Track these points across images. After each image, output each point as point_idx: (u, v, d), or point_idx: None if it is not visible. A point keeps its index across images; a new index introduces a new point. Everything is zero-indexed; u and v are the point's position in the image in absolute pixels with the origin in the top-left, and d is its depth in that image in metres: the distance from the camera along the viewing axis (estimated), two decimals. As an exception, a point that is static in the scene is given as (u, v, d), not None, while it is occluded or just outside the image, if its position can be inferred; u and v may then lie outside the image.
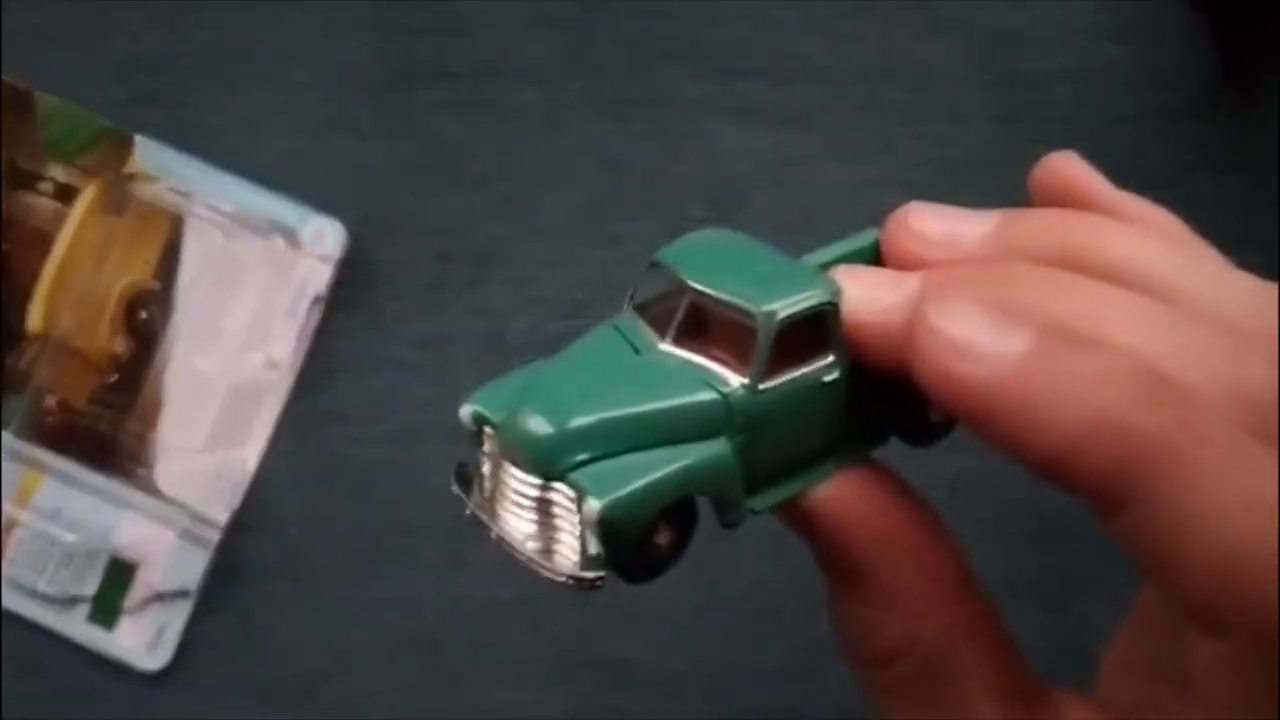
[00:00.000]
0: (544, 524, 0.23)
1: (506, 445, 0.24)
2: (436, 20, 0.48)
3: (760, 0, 0.48)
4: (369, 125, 0.48)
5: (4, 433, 0.47)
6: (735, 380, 0.24)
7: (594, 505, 0.22)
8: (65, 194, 0.47)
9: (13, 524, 0.47)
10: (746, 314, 0.23)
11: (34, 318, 0.47)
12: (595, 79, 0.48)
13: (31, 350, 0.47)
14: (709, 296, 0.24)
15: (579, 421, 0.23)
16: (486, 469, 0.25)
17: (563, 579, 0.23)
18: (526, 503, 0.23)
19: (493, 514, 0.24)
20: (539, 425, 0.23)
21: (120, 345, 0.47)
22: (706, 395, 0.23)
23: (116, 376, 0.47)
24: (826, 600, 0.26)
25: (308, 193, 0.48)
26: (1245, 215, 0.48)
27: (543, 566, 0.23)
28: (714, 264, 0.25)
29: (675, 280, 0.25)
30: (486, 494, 0.25)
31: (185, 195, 0.47)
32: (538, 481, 0.23)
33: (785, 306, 0.24)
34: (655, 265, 0.25)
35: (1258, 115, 0.48)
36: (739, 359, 0.24)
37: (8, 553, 0.47)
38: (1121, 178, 0.48)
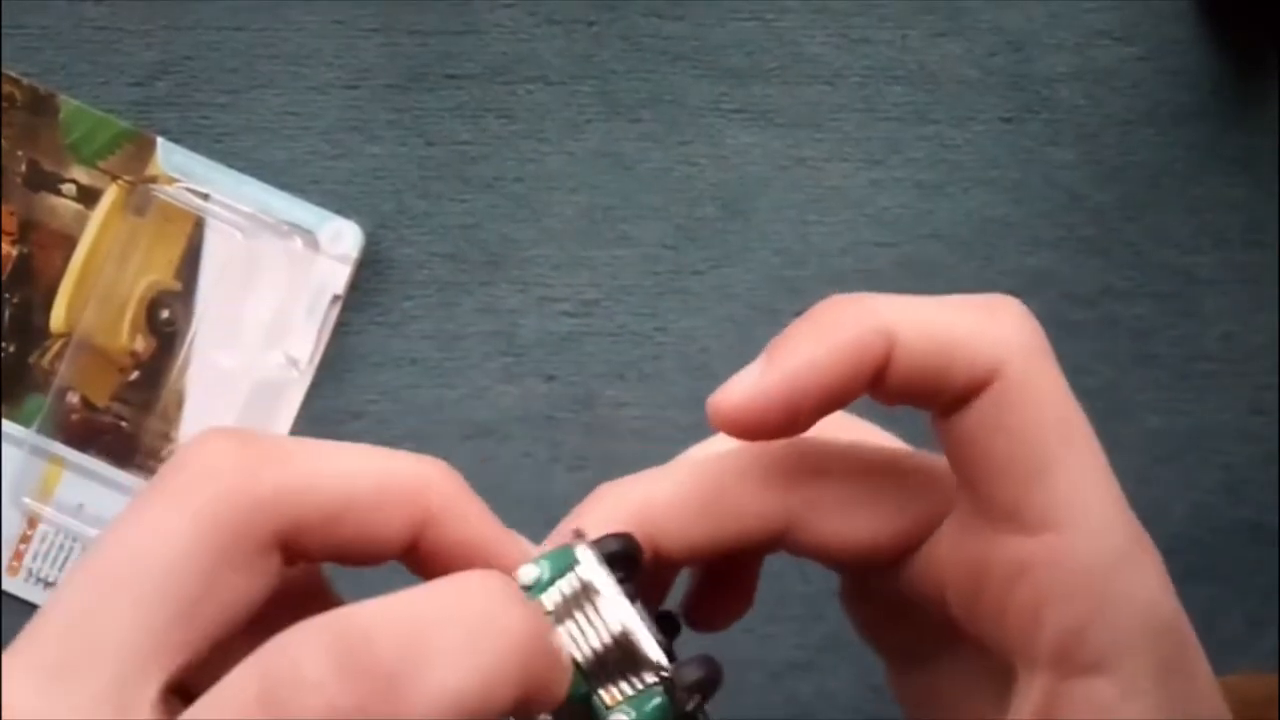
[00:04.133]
0: None
1: None
2: (449, 23, 0.49)
3: (770, 2, 0.49)
4: (383, 128, 0.49)
5: (27, 429, 0.48)
6: None
7: None
8: (88, 196, 0.48)
9: (35, 519, 0.48)
10: None
11: (57, 317, 0.48)
12: (606, 81, 0.49)
13: (54, 349, 0.48)
14: None
15: None
16: None
17: None
18: None
19: None
20: None
21: (142, 344, 0.48)
22: None
23: (138, 374, 0.48)
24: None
25: (325, 195, 0.48)
26: (1251, 216, 0.49)
27: None
28: None
29: None
30: None
31: (206, 197, 0.48)
32: None
33: None
34: None
35: (1263, 116, 0.49)
36: None
37: (31, 547, 0.48)
38: (1128, 179, 0.49)
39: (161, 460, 0.48)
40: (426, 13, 0.49)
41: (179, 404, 0.48)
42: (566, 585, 0.24)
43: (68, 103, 0.48)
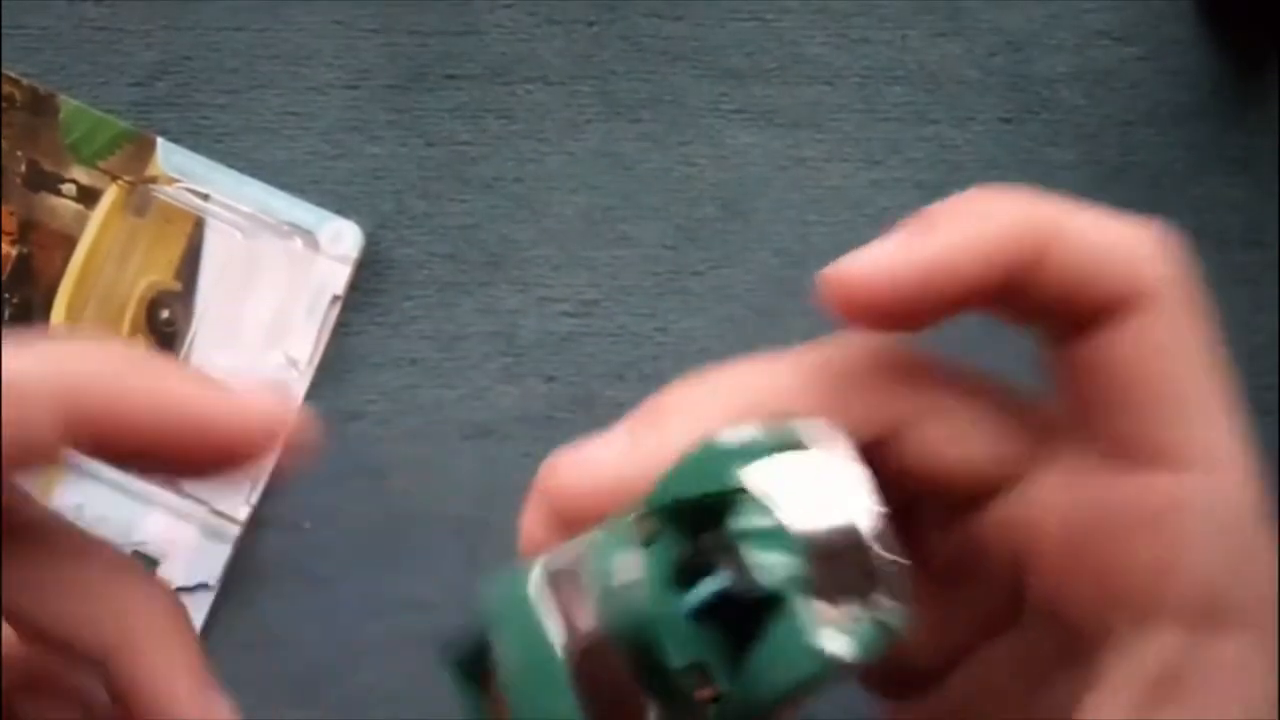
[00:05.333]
0: None
1: None
2: (448, 23, 0.49)
3: (770, 3, 0.49)
4: (383, 128, 0.49)
5: (28, 430, 0.48)
6: None
7: None
8: (88, 196, 0.48)
9: (36, 519, 0.48)
10: None
11: (57, 317, 0.48)
12: (606, 81, 0.49)
13: (55, 349, 0.48)
14: None
15: None
16: None
17: None
18: None
19: None
20: None
21: (142, 344, 0.48)
22: None
23: (137, 375, 0.48)
24: None
25: (325, 195, 0.48)
26: (1251, 216, 0.49)
27: None
28: None
29: None
30: None
31: (206, 197, 0.48)
32: None
33: None
34: None
35: (1263, 116, 0.49)
36: None
37: (32, 547, 0.48)
38: (1128, 179, 0.49)
39: (161, 461, 0.48)
40: (426, 13, 0.49)
41: (179, 404, 0.48)
42: (796, 461, 0.19)
43: (67, 103, 0.48)
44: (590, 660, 0.18)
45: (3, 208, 0.48)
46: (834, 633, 0.18)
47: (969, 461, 0.23)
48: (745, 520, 0.19)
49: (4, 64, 0.48)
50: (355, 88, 0.49)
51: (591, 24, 0.49)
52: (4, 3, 0.48)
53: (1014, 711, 0.23)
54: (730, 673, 0.18)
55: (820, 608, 0.18)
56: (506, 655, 0.20)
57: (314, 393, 0.48)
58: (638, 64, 0.49)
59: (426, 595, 0.47)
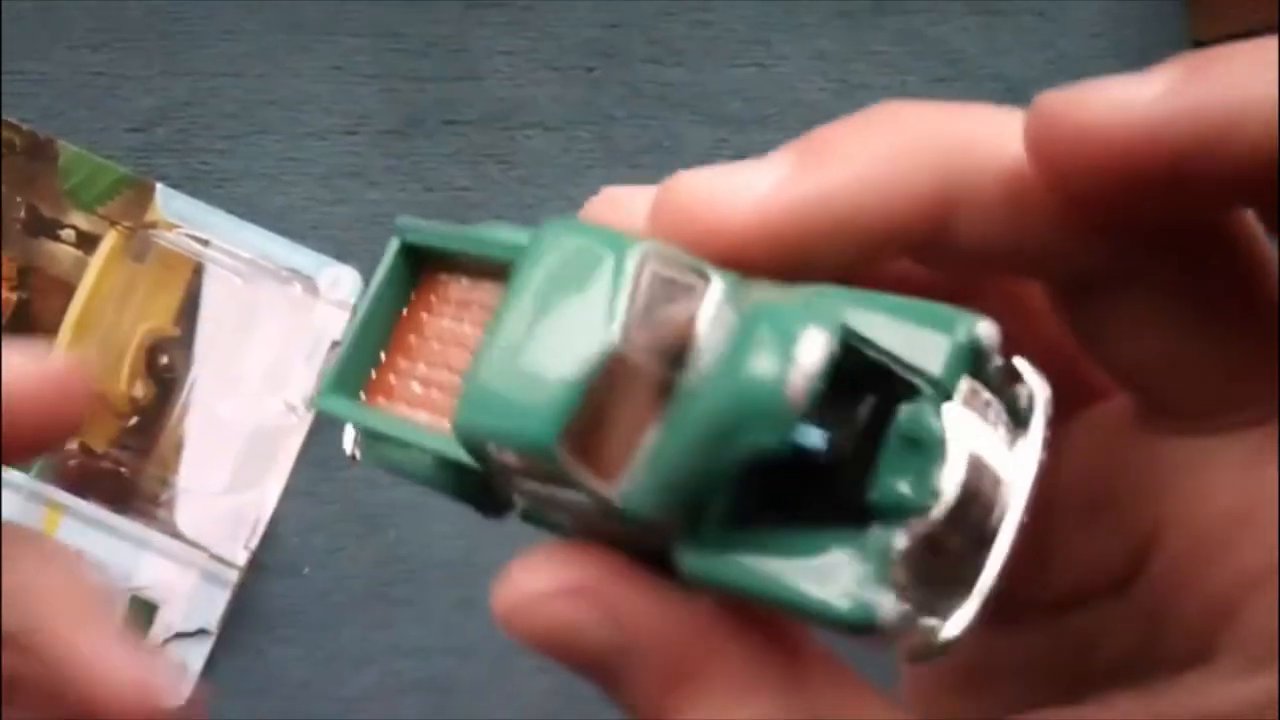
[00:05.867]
0: None
1: None
2: (447, 69, 0.49)
3: (768, 48, 0.49)
4: (381, 174, 0.49)
5: (25, 475, 0.48)
6: None
7: None
8: (87, 241, 0.48)
9: (36, 564, 0.48)
10: None
11: (56, 362, 0.48)
12: (605, 127, 0.49)
13: (54, 393, 0.48)
14: None
15: None
16: None
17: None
18: None
19: None
20: None
21: (141, 390, 0.48)
22: None
23: (137, 420, 0.48)
24: None
25: (324, 240, 0.48)
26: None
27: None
28: None
29: None
30: None
31: (205, 243, 0.48)
32: None
33: None
34: None
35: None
36: None
37: (31, 592, 0.48)
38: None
39: (160, 506, 0.48)
40: (424, 59, 0.49)
41: (178, 450, 0.48)
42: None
43: (66, 148, 0.48)
44: (622, 371, 0.16)
45: (2, 253, 0.48)
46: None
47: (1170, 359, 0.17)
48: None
49: (3, 109, 0.48)
50: (354, 133, 0.49)
51: (591, 70, 0.49)
52: (3, 48, 0.48)
53: (1119, 678, 0.19)
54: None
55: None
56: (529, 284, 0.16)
57: (313, 439, 0.48)
58: (637, 110, 0.49)
59: (420, 640, 0.48)
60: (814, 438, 0.16)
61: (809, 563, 0.16)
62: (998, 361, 0.16)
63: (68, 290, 0.48)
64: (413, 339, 0.20)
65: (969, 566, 0.16)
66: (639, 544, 0.17)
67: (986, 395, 0.16)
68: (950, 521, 0.15)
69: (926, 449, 0.16)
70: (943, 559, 0.16)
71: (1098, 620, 0.20)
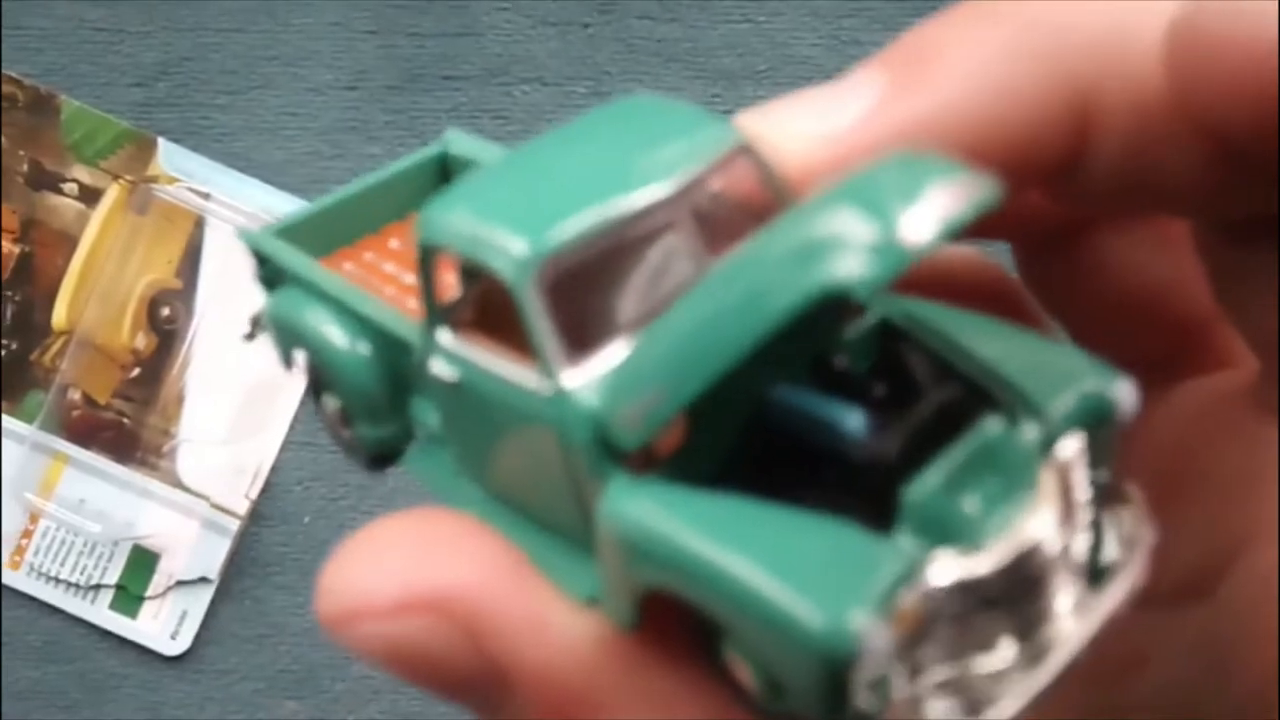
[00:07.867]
0: None
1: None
2: (445, 25, 0.50)
3: (760, 4, 0.50)
4: (381, 128, 0.49)
5: (29, 426, 0.48)
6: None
7: None
8: (89, 195, 0.49)
9: (37, 514, 0.48)
10: None
11: (59, 315, 0.49)
12: (601, 82, 0.50)
13: (56, 346, 0.49)
14: None
15: None
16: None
17: None
18: None
19: None
20: None
21: (143, 341, 0.49)
22: None
23: (139, 371, 0.49)
24: None
25: (324, 194, 0.49)
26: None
27: None
28: None
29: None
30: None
31: (206, 197, 0.49)
32: None
33: None
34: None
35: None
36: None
37: (32, 542, 0.48)
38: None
39: (162, 456, 0.49)
40: (423, 15, 0.50)
41: (179, 401, 0.49)
42: None
43: (69, 103, 0.49)
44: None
45: (5, 206, 0.49)
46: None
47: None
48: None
49: (5, 65, 0.49)
50: (353, 88, 0.50)
51: (586, 26, 0.50)
52: (5, 4, 0.49)
53: None
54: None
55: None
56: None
57: (313, 389, 0.49)
58: (632, 65, 0.50)
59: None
60: (852, 420, 0.13)
61: (784, 553, 0.11)
62: (1114, 446, 0.13)
63: (70, 243, 0.49)
64: (395, 243, 0.19)
65: (983, 661, 0.12)
66: (538, 479, 0.13)
67: (1085, 477, 0.13)
68: (995, 583, 0.12)
69: (1014, 473, 0.12)
70: (957, 633, 0.12)
71: (1148, 633, 0.16)
